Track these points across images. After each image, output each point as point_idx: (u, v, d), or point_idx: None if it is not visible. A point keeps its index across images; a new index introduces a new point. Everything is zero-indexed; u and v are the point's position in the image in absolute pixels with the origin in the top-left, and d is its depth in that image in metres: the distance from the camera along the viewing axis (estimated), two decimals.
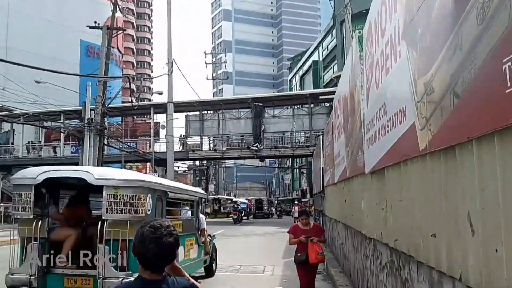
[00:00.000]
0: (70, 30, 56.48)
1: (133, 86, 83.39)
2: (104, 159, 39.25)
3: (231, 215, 36.28)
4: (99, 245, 5.82)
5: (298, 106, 34.71)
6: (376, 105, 4.81)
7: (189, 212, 9.18)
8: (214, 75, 56.55)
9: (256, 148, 33.72)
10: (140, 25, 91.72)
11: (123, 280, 2.71)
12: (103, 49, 25.19)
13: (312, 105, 33.93)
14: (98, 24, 25.64)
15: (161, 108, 37.45)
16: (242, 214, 38.65)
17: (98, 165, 27.57)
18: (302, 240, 6.58)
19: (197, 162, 50.76)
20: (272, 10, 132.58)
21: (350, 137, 7.59)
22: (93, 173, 6.24)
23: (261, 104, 34.59)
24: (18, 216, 6.36)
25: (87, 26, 26.11)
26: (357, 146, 6.61)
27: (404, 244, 3.89)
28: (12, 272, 6.06)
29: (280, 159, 66.37)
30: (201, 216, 9.50)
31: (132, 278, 2.06)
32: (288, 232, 6.98)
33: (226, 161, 63.00)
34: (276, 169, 74.29)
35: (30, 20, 51.88)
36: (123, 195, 5.94)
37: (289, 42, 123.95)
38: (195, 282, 2.06)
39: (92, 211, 7.49)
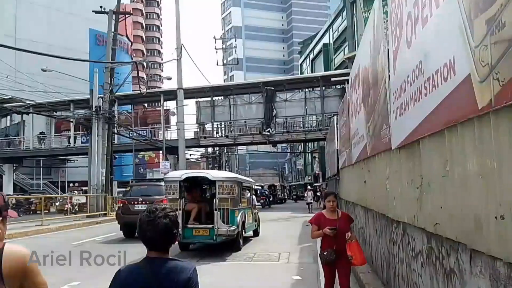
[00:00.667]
0: (78, 19, 55.99)
1: (143, 74, 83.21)
2: (115, 147, 39.03)
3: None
4: (215, 211, 10.59)
5: (310, 89, 33.84)
6: (407, 67, 4.14)
7: (248, 194, 13.92)
8: (225, 61, 55.81)
9: (268, 133, 33.06)
10: (149, 12, 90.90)
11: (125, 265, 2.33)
12: (109, 34, 24.56)
13: (323, 88, 33.05)
14: (104, 9, 25.00)
15: (171, 95, 36.90)
16: (270, 199, 38.98)
17: (107, 154, 27.25)
18: (327, 232, 5.23)
19: (209, 150, 50.31)
20: None
21: (371, 111, 6.86)
22: (211, 173, 11.67)
23: (273, 88, 33.84)
24: (170, 197, 11.06)
25: (93, 11, 25.49)
26: (381, 120, 5.89)
27: (450, 229, 3.21)
28: None
29: (292, 144, 65.67)
30: (253, 196, 15.13)
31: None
32: (310, 222, 5.64)
33: (239, 148, 62.72)
34: (288, 154, 73.59)
35: (38, 10, 51.49)
36: (225, 185, 11.03)
37: (299, 27, 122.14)
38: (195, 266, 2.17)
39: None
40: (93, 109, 25.25)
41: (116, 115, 38.07)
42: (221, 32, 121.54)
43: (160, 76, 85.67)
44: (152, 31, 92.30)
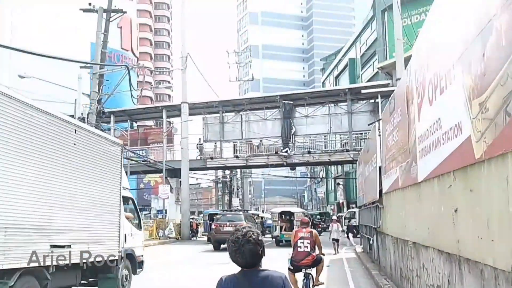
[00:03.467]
0: (80, 31, 54.44)
1: (150, 79, 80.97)
2: None
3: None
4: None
5: (335, 104, 30.55)
6: (429, 119, 5.62)
7: None
8: (239, 78, 53.16)
9: (286, 154, 29.77)
10: (158, 15, 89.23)
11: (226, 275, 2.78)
12: (98, 34, 21.93)
13: (351, 103, 29.76)
14: (94, 6, 22.42)
15: (175, 110, 34.17)
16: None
17: None
18: None
19: (220, 173, 47.10)
20: (302, 11, 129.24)
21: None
22: (291, 210, 27.69)
23: (291, 102, 30.69)
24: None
25: (80, 9, 22.94)
26: None
27: None
28: None
29: (312, 170, 61.96)
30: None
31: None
32: None
33: (253, 173, 59.28)
34: (308, 181, 69.69)
35: (36, 19, 50.11)
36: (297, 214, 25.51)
37: (320, 46, 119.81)
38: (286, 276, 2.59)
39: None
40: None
41: (112, 133, 35.55)
42: (237, 50, 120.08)
43: (169, 82, 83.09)
44: (162, 35, 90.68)
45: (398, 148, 8.54)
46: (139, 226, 10.97)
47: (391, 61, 25.97)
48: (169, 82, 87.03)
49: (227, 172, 47.79)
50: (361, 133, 28.00)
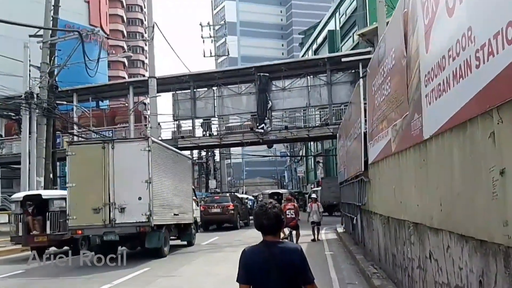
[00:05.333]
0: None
1: (124, 59, 77.58)
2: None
3: None
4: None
5: (313, 75, 28.59)
6: (447, 40, 3.86)
7: None
8: (215, 53, 50.67)
9: (262, 131, 27.82)
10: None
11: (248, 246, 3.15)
12: None
13: (331, 74, 27.87)
14: None
15: (143, 87, 31.63)
16: None
17: (46, 158, 21.98)
18: None
19: (195, 153, 44.98)
20: None
21: None
22: (279, 191, 38.88)
23: (267, 74, 28.63)
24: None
25: None
26: None
27: None
28: None
29: (292, 149, 60.34)
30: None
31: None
32: None
33: (232, 154, 57.31)
34: (288, 161, 68.14)
35: None
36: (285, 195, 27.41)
37: (299, 22, 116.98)
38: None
39: None
40: (23, 96, 20.00)
41: (75, 114, 33.05)
42: (215, 28, 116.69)
43: (143, 62, 79.49)
44: (134, 11, 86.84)
45: (391, 103, 6.68)
46: (197, 205, 19.41)
47: (372, 27, 24.13)
48: (143, 62, 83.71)
49: (204, 153, 45.82)
50: (341, 107, 26.21)
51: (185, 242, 16.09)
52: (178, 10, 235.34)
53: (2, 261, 14.13)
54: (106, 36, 54.35)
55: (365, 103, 9.37)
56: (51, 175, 22.62)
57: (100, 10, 62.73)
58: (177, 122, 30.19)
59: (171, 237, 14.45)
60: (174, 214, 14.08)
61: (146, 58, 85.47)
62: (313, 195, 18.28)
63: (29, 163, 20.82)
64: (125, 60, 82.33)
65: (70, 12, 44.56)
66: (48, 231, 13.85)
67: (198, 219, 18.78)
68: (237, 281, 2.81)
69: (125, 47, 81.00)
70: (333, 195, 30.85)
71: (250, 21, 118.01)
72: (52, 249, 14.75)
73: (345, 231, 16.83)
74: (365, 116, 9.12)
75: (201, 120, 30.77)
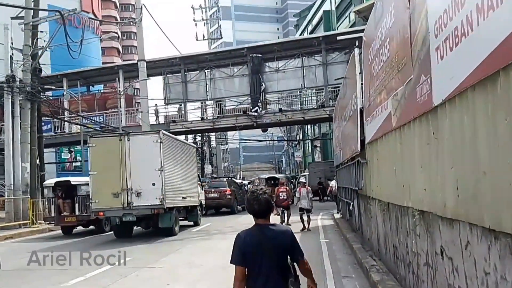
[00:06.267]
0: None
1: (118, 45, 75.90)
2: (62, 139, 32.71)
3: None
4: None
5: (308, 56, 27.42)
6: None
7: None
8: (208, 36, 49.21)
9: (256, 114, 26.79)
10: None
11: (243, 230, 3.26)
12: None
13: (326, 53, 26.72)
14: None
15: (133, 71, 30.52)
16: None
17: (32, 143, 20.95)
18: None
19: (190, 139, 43.90)
20: None
21: None
22: (276, 175, 33.35)
23: (260, 55, 27.47)
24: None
25: None
26: None
27: None
28: None
29: (289, 133, 59.26)
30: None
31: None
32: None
33: (229, 139, 56.26)
34: (285, 145, 67.11)
35: None
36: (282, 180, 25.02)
37: (295, 5, 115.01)
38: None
39: None
40: (5, 79, 18.89)
41: (66, 99, 31.90)
42: (209, 13, 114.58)
43: (136, 47, 77.75)
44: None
45: (391, 69, 5.64)
46: (202, 188, 20.94)
47: (369, 3, 22.93)
48: (137, 48, 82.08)
49: (199, 138, 44.79)
50: (337, 88, 25.13)
51: (191, 223, 17.66)
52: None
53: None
54: (93, 19, 52.92)
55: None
56: (37, 161, 21.68)
57: None
58: (167, 107, 29.12)
59: (180, 218, 15.79)
60: (183, 198, 15.64)
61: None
62: (302, 179, 16.52)
63: (13, 148, 19.92)
64: (119, 46, 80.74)
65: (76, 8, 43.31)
66: (76, 212, 15.99)
67: (203, 202, 20.14)
68: (232, 263, 2.96)
69: (119, 33, 79.35)
70: (319, 180, 30.13)
71: (245, 5, 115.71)
72: (79, 228, 17.00)
73: (342, 216, 15.91)
74: (362, 90, 8.08)
75: (195, 104, 29.79)
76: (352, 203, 10.80)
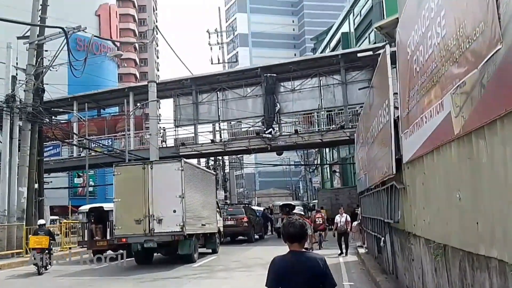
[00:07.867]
0: (60, 22, 49.36)
1: (135, 71, 74.85)
2: (65, 164, 31.30)
3: None
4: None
5: (326, 75, 25.69)
6: None
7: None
8: (223, 60, 48.02)
9: (270, 136, 24.99)
10: (142, 5, 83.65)
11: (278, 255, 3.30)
12: None
13: (345, 72, 24.95)
14: None
15: (144, 93, 29.21)
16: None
17: (30, 167, 19.45)
18: None
19: (202, 162, 42.17)
20: None
21: None
22: (291, 203, 30.09)
23: (275, 75, 25.89)
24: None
25: None
26: None
27: None
28: None
29: (306, 159, 57.11)
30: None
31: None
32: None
33: (244, 164, 54.40)
34: (303, 170, 64.82)
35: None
36: (296, 206, 21.04)
37: (312, 31, 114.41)
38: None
39: None
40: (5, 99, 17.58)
41: (76, 121, 30.73)
42: (226, 40, 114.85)
43: (155, 61, 76.84)
44: (146, 25, 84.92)
45: (451, 50, 3.76)
46: (220, 215, 20.54)
47: (392, 18, 21.27)
48: (155, 61, 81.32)
49: (212, 162, 43.02)
50: (357, 108, 23.32)
51: (210, 250, 17.52)
52: (188, 20, 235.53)
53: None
54: (103, 38, 52.38)
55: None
56: (36, 185, 20.19)
57: (111, 23, 61.12)
58: (177, 129, 27.65)
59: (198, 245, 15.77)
60: (202, 225, 15.69)
61: (157, 58, 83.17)
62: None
63: (10, 171, 18.53)
64: (136, 72, 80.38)
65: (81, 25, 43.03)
66: (108, 237, 16.33)
67: (221, 229, 19.72)
68: (266, 285, 3.07)
69: (137, 59, 79.15)
70: (326, 207, 28.13)
71: (262, 32, 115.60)
72: (109, 252, 16.63)
73: (367, 251, 13.76)
74: (399, 92, 6.22)
75: (206, 126, 28.29)
76: (383, 238, 8.76)
